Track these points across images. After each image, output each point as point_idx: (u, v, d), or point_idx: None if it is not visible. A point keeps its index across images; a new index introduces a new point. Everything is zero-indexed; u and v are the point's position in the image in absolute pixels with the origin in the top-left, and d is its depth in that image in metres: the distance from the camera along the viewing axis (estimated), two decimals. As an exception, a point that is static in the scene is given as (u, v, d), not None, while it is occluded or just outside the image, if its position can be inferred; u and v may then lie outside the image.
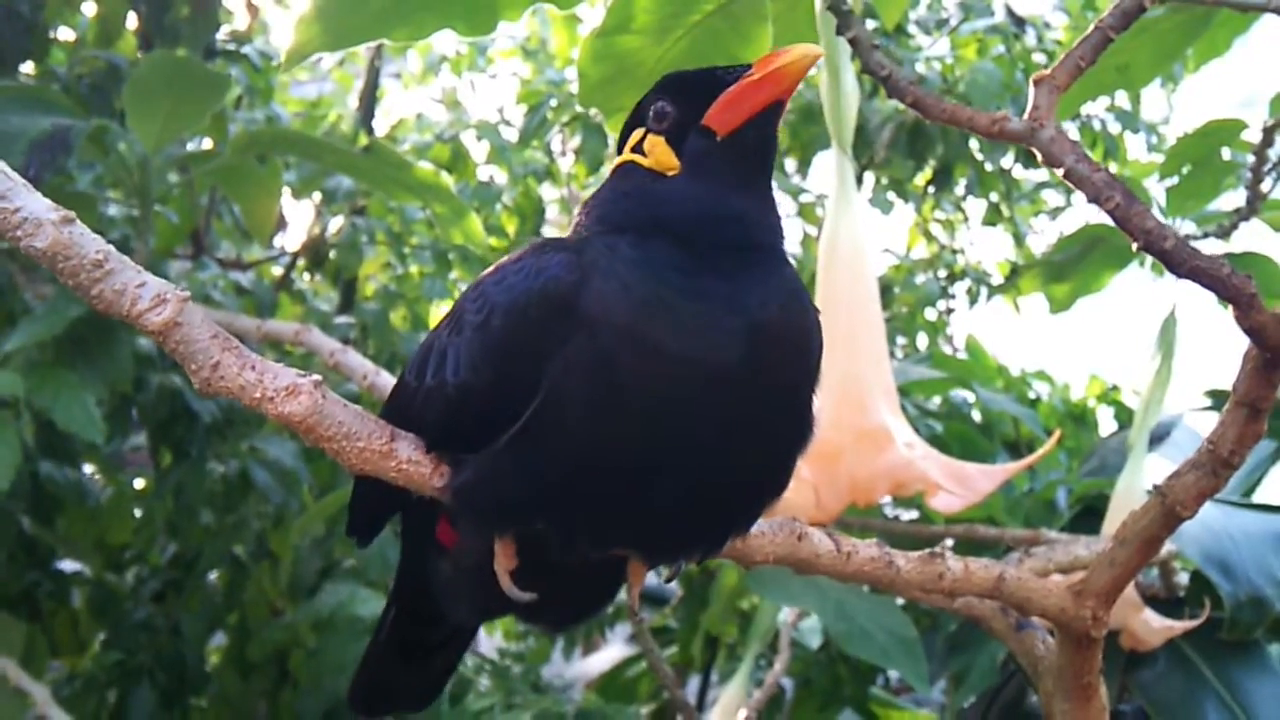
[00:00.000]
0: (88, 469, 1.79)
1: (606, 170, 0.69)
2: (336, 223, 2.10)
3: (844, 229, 1.13)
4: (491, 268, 0.66)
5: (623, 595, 0.73)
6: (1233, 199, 1.70)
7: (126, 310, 0.56)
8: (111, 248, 0.57)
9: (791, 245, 2.66)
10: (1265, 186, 1.62)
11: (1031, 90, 0.72)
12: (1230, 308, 0.69)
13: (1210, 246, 1.71)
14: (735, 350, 0.59)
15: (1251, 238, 1.69)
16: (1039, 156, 0.71)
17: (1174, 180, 1.69)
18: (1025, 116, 0.72)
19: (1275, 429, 1.59)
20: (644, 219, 0.63)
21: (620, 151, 0.68)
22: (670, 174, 0.65)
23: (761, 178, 0.66)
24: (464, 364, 0.62)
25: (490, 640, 2.60)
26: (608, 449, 0.59)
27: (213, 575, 1.89)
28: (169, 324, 0.57)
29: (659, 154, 0.65)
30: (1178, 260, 0.67)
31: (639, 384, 0.58)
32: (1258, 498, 1.66)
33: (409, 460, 0.61)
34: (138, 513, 1.86)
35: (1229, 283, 0.67)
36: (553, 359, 0.58)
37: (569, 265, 0.60)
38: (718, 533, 0.66)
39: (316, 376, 0.57)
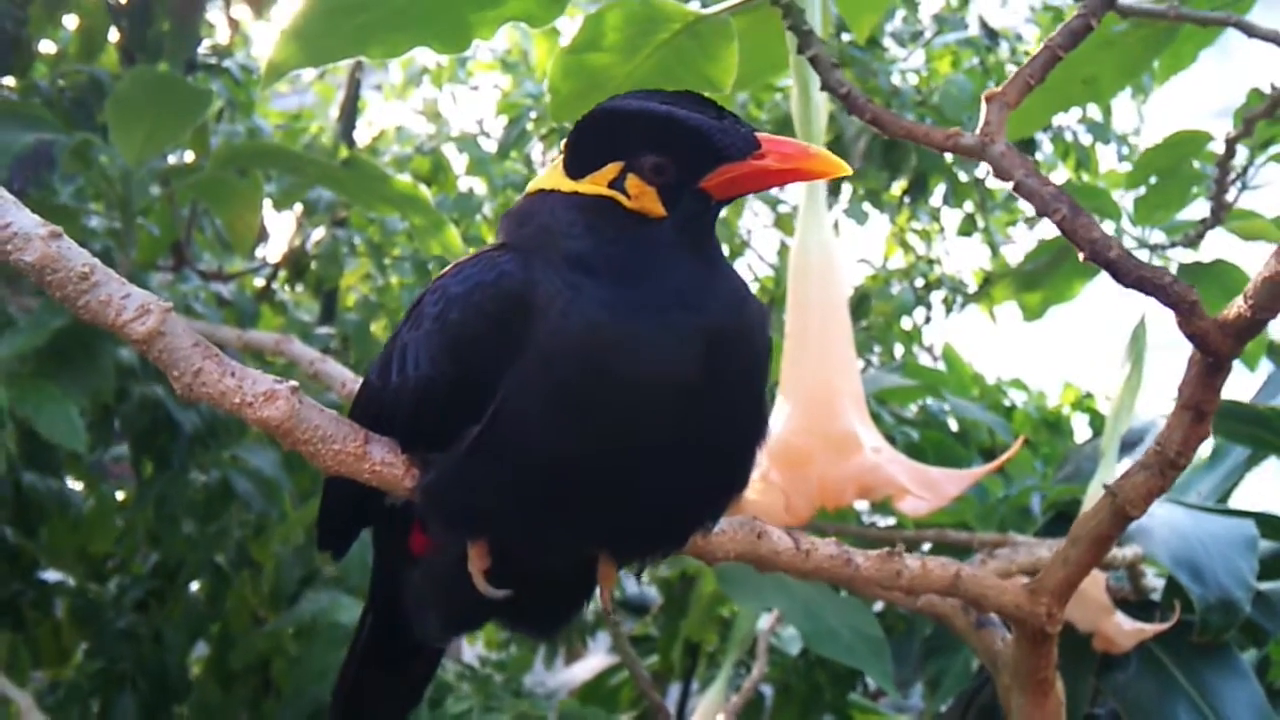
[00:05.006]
0: (70, 481, 1.80)
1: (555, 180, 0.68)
2: (317, 234, 2.12)
3: (813, 238, 1.16)
4: (450, 266, 0.68)
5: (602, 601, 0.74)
6: (1202, 209, 1.73)
7: (112, 320, 0.59)
8: (97, 261, 0.60)
9: (768, 255, 2.70)
10: (1231, 196, 1.66)
11: (984, 107, 0.75)
12: (1174, 314, 0.72)
13: (1179, 255, 1.75)
14: (692, 353, 0.61)
15: (1222, 246, 1.73)
16: (990, 169, 0.74)
17: (1141, 190, 1.72)
18: (978, 132, 0.75)
19: (1246, 435, 1.62)
20: (618, 258, 0.63)
21: (577, 166, 0.67)
22: (653, 218, 0.65)
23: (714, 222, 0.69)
24: (424, 358, 0.64)
25: (472, 649, 2.62)
26: (563, 452, 0.61)
27: (195, 585, 1.91)
28: (152, 333, 0.59)
29: (645, 200, 0.65)
30: (1122, 270, 0.70)
31: (591, 387, 0.60)
32: (1233, 504, 1.68)
33: (382, 462, 0.64)
34: (120, 523, 1.88)
35: (1171, 290, 0.70)
36: (510, 356, 0.61)
37: (522, 263, 0.63)
38: (681, 531, 0.68)
39: (294, 383, 0.60)
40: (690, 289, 0.63)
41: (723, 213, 0.73)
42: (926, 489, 1.17)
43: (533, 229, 0.66)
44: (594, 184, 0.65)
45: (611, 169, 0.65)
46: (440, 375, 0.64)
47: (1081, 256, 0.71)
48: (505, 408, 0.61)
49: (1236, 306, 0.69)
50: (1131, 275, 0.70)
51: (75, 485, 1.84)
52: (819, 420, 1.13)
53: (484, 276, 0.63)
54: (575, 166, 0.67)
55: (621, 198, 0.65)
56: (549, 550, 0.66)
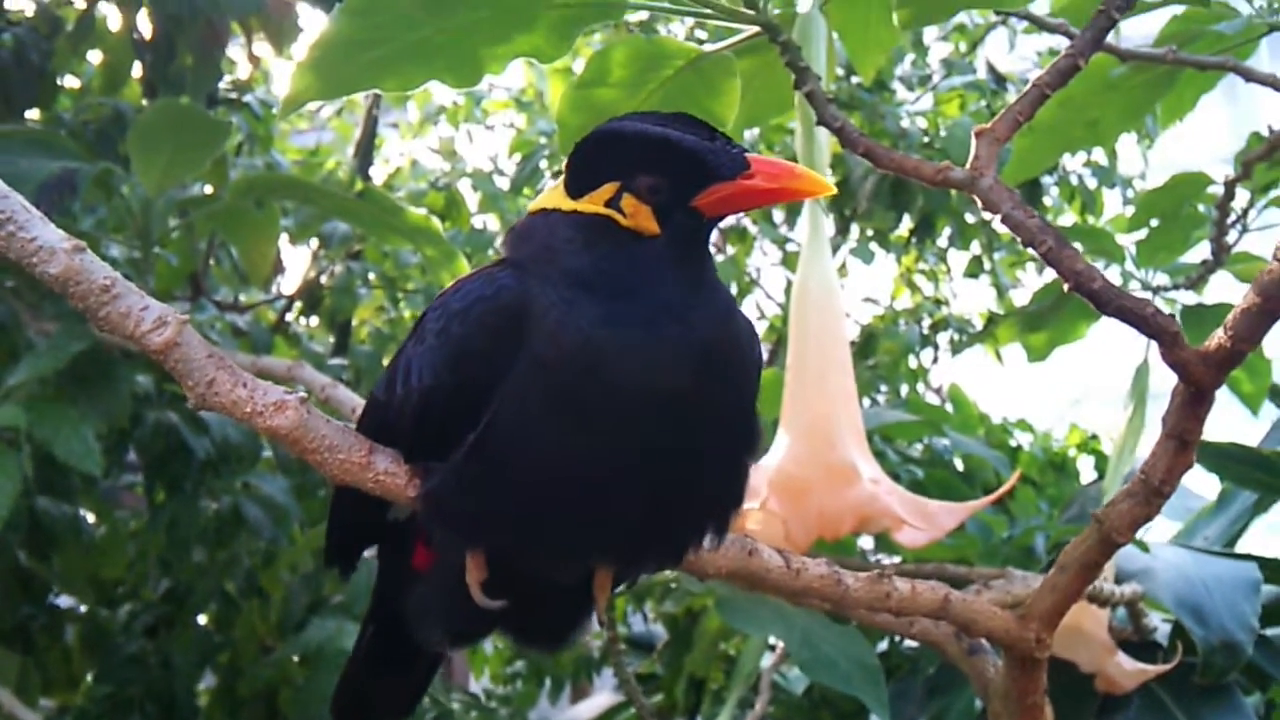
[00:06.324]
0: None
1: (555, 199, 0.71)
2: (333, 268, 2.16)
3: (814, 272, 1.18)
4: (452, 283, 0.71)
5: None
6: (1204, 251, 1.74)
7: (131, 331, 0.62)
8: (118, 275, 0.62)
9: (776, 293, 2.73)
10: (1232, 238, 1.67)
11: (974, 142, 0.78)
12: (1157, 345, 0.74)
13: (1183, 298, 1.77)
14: (679, 362, 0.64)
15: (1224, 289, 1.74)
16: (979, 203, 0.77)
17: (1143, 233, 1.74)
18: (968, 166, 0.77)
19: (1253, 480, 1.62)
20: (611, 276, 0.66)
21: (576, 186, 0.69)
22: (646, 235, 0.67)
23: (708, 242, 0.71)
24: (426, 370, 0.67)
25: (479, 683, 2.62)
26: (554, 458, 0.64)
27: (203, 618, 1.92)
28: (169, 343, 0.62)
29: (640, 218, 0.67)
30: (1105, 300, 0.73)
31: (581, 395, 0.63)
32: (1241, 548, 1.69)
33: (385, 472, 0.66)
34: (132, 549, 1.89)
35: (1153, 321, 0.72)
36: (507, 366, 0.63)
37: (520, 278, 0.66)
38: (677, 541, 0.70)
39: (303, 393, 0.63)
40: (680, 303, 0.65)
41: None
42: (924, 521, 1.18)
43: (533, 246, 0.69)
44: (591, 203, 0.68)
45: (608, 189, 0.68)
46: (441, 386, 0.66)
47: (1066, 287, 0.73)
48: (501, 415, 0.63)
49: (1217, 338, 0.71)
50: (1113, 305, 0.72)
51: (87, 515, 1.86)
52: (818, 451, 1.15)
53: (483, 291, 0.66)
54: (575, 186, 0.69)
55: (617, 216, 0.67)
56: (545, 557, 0.68)
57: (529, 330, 0.64)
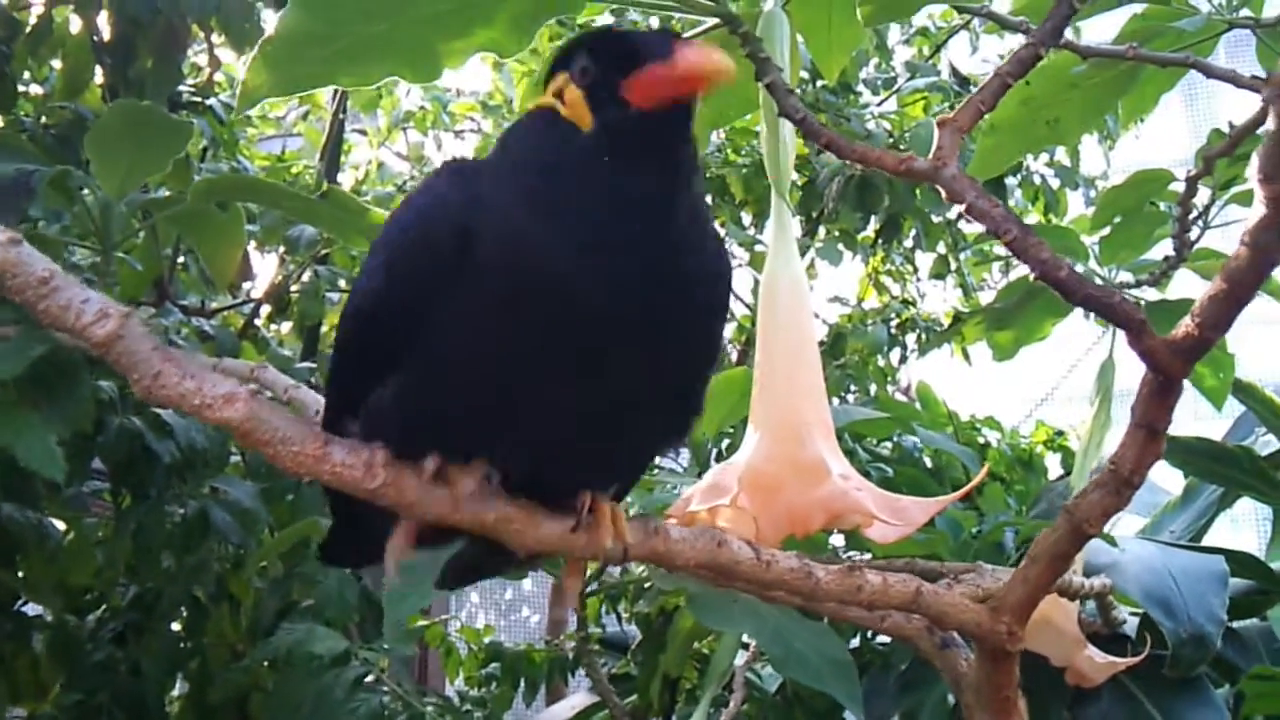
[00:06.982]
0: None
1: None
2: (300, 272, 2.14)
3: (782, 269, 1.17)
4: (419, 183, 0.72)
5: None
6: (1167, 248, 1.75)
7: (72, 324, 0.60)
8: (57, 267, 0.61)
9: (744, 294, 2.73)
10: (1194, 235, 1.68)
11: (936, 132, 0.78)
12: (1124, 333, 0.74)
13: (1147, 294, 1.78)
14: (602, 264, 0.63)
15: (1187, 286, 1.75)
16: (943, 193, 0.77)
17: (1106, 230, 1.75)
18: (930, 156, 0.77)
19: (1218, 475, 1.64)
20: (547, 166, 0.66)
21: (545, 84, 0.70)
22: (584, 130, 0.67)
23: (671, 160, 0.68)
24: (371, 275, 0.69)
25: (453, 686, 2.61)
26: (495, 373, 0.64)
27: (175, 623, 1.90)
28: (112, 336, 0.61)
29: (576, 107, 0.67)
30: (1071, 289, 0.73)
31: (521, 305, 0.63)
32: (1206, 542, 1.70)
33: (342, 463, 0.65)
34: (100, 556, 1.87)
35: (1119, 309, 0.72)
36: (446, 278, 0.63)
37: (465, 185, 0.66)
38: (632, 454, 0.71)
39: (253, 385, 0.62)
40: (611, 214, 0.64)
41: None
42: (894, 516, 1.18)
43: (498, 145, 0.71)
44: (545, 97, 0.69)
45: (559, 80, 0.69)
46: (386, 291, 0.67)
47: (1031, 276, 0.73)
48: (437, 322, 0.64)
49: (1185, 325, 0.71)
50: (1080, 294, 0.72)
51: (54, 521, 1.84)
52: (787, 447, 1.14)
53: (425, 199, 0.68)
54: (544, 84, 0.70)
55: (559, 105, 0.68)
56: (496, 468, 0.68)
57: (465, 239, 0.63)
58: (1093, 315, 1.89)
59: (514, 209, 0.64)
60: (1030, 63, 0.79)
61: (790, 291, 1.18)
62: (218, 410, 0.61)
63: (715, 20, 0.89)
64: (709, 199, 2.61)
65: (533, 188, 0.65)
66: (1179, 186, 1.65)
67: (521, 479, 0.68)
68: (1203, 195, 1.67)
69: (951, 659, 0.95)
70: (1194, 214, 1.63)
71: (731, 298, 0.72)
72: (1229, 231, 1.72)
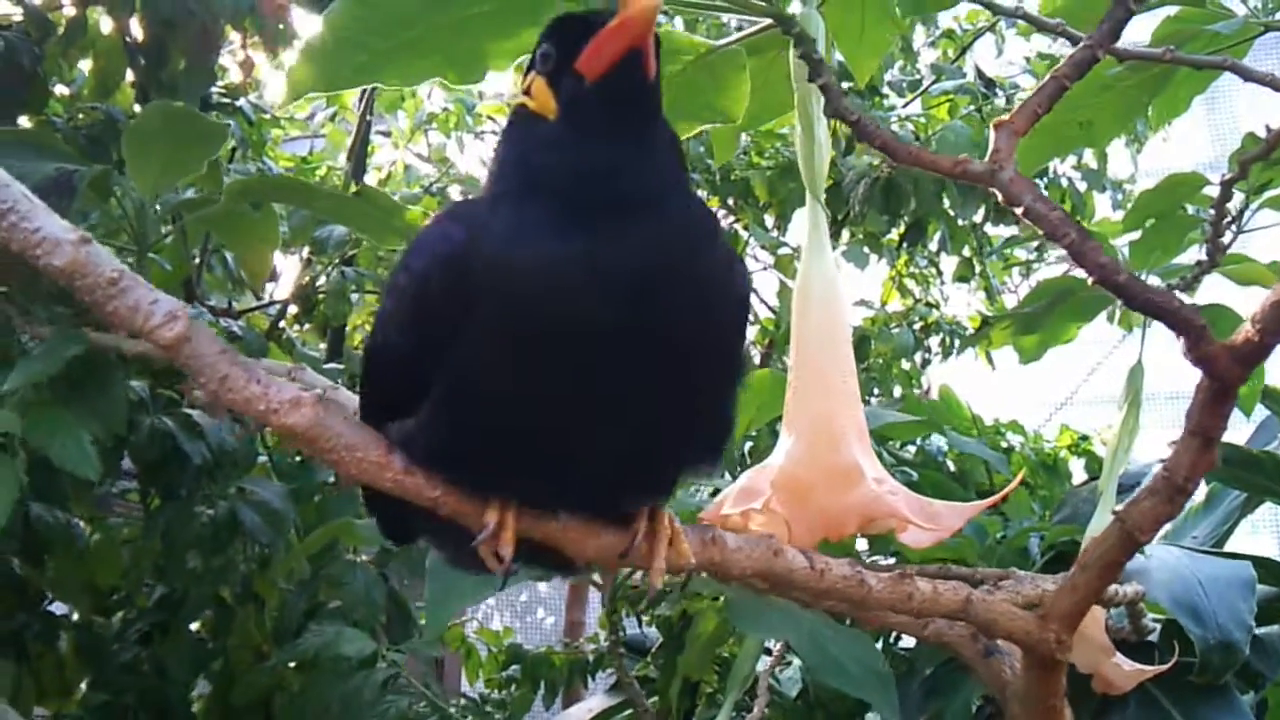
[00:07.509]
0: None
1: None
2: (326, 273, 2.14)
3: (816, 272, 1.16)
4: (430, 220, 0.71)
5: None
6: (1198, 253, 1.74)
7: (140, 325, 0.60)
8: (125, 267, 0.61)
9: (768, 296, 2.72)
10: (1226, 239, 1.67)
11: (992, 134, 0.77)
12: (1181, 339, 0.73)
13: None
14: (613, 304, 0.61)
15: (1217, 291, 1.74)
16: (1000, 196, 0.76)
17: (1136, 234, 1.74)
18: (986, 159, 0.76)
19: (1242, 480, 1.62)
20: (524, 170, 0.65)
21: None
22: (550, 118, 0.66)
23: (636, 126, 0.65)
24: (389, 326, 0.68)
25: (473, 688, 2.61)
26: (510, 405, 0.62)
27: (198, 624, 1.91)
28: (181, 338, 0.60)
29: (541, 97, 0.66)
30: (1131, 294, 0.72)
31: (524, 345, 0.61)
32: (1228, 548, 1.69)
33: (404, 471, 0.65)
34: (127, 556, 1.87)
35: (1179, 315, 0.72)
36: (456, 320, 0.62)
37: (462, 229, 0.64)
38: (657, 476, 0.69)
39: (319, 391, 0.61)
40: (585, 186, 0.63)
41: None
42: (929, 520, 1.17)
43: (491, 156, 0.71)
44: (518, 95, 0.68)
45: (529, 77, 0.68)
46: (402, 341, 0.67)
47: (1090, 280, 0.72)
48: (456, 357, 0.63)
49: (1244, 331, 0.71)
50: (1140, 299, 0.72)
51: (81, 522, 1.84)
52: (821, 451, 1.14)
53: (432, 246, 0.65)
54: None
55: (527, 100, 0.67)
56: (524, 501, 0.67)
57: (471, 283, 0.62)
58: (1115, 319, 1.90)
59: (500, 231, 0.62)
60: (1086, 65, 0.78)
61: (824, 294, 1.18)
62: (284, 416, 0.60)
63: (768, 21, 0.88)
64: (732, 201, 2.61)
65: (513, 197, 0.64)
66: (1211, 190, 1.64)
67: (554, 500, 0.67)
68: (1235, 199, 1.66)
69: (995, 667, 0.95)
70: (1227, 218, 1.62)
71: (743, 292, 0.70)
72: (1262, 236, 1.71)
